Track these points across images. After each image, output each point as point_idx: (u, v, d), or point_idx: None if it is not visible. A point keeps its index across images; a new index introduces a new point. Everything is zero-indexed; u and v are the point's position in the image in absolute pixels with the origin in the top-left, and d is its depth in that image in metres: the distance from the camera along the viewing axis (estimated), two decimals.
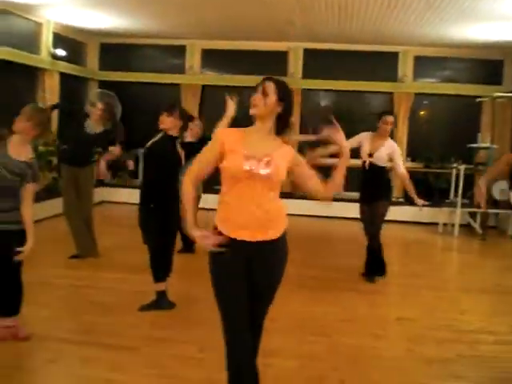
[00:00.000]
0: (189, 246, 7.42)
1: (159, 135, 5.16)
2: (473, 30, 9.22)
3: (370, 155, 6.24)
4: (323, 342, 4.55)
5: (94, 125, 6.73)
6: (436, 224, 10.03)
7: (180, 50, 11.56)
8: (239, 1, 8.09)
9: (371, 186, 6.32)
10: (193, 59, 11.51)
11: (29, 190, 4.09)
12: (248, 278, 2.96)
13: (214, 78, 11.60)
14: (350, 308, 5.51)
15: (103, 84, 11.43)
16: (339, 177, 3.08)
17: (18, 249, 3.99)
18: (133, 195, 10.77)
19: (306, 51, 11.24)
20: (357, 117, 11.23)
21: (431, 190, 10.65)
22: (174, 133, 5.11)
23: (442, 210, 9.95)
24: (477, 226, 9.84)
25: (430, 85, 11.16)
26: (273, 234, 2.94)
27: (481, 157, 10.46)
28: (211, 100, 11.38)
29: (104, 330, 4.59)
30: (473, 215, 9.98)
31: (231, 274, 2.94)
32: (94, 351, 4.18)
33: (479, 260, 8.44)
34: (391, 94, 11.09)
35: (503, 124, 10.53)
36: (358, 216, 6.50)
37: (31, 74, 9.83)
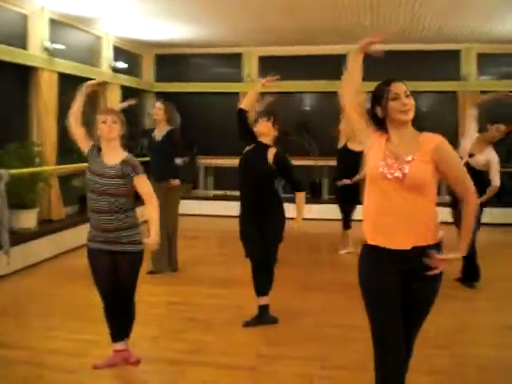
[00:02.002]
0: None
1: (252, 145, 5.00)
2: None
3: (471, 155, 6.00)
4: (445, 355, 4.31)
5: (158, 132, 6.66)
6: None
7: (236, 58, 11.46)
8: (306, 5, 7.93)
9: None
10: (250, 66, 11.41)
11: (139, 182, 3.85)
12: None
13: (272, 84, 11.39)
14: (458, 317, 5.26)
15: (160, 96, 11.37)
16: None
17: (144, 240, 3.79)
18: (194, 206, 10.84)
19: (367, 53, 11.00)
20: (420, 117, 10.96)
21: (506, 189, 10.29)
22: (267, 140, 4.95)
23: None
24: None
25: (495, 82, 10.80)
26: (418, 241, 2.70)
27: None
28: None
29: (214, 349, 4.43)
30: None
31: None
32: (210, 372, 4.02)
33: None
34: (455, 93, 10.84)
35: None
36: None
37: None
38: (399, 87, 2.76)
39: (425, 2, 7.86)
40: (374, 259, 2.78)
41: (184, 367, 4.09)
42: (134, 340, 4.31)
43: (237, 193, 10.91)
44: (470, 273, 6.22)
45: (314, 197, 10.86)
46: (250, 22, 9.19)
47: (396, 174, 2.69)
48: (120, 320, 4.08)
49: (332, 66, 11.13)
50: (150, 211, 3.88)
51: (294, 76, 11.20)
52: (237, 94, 11.36)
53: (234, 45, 10.98)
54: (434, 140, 2.72)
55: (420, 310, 2.84)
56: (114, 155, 3.88)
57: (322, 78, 11.06)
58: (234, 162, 11.52)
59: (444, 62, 11.02)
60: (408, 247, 2.68)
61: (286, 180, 5.07)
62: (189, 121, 10.24)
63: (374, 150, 2.82)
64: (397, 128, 2.77)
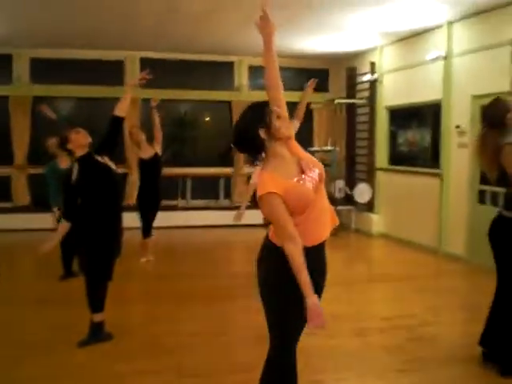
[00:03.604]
0: (70, 271, 6.89)
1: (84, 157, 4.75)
2: (302, 42, 9.93)
3: None
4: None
5: None
6: None
7: (5, 60, 10.54)
8: (68, 8, 7.69)
9: None
10: (21, 69, 10.59)
11: None
12: None
13: (45, 89, 10.73)
14: None
15: None
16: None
17: None
18: None
19: (143, 60, 11.03)
20: (199, 125, 11.48)
21: None
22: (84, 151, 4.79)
23: None
24: None
25: (264, 93, 11.59)
26: None
27: (322, 159, 11.22)
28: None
29: (67, 373, 4.13)
30: None
31: None
32: None
33: (343, 254, 9.09)
34: (229, 102, 11.47)
35: (336, 127, 11.53)
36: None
37: None
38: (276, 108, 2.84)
39: (211, 18, 8.23)
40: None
41: None
42: None
43: None
44: None
45: None
46: (22, 21, 8.54)
47: (314, 177, 2.78)
48: None
49: (107, 72, 10.95)
50: None
51: (69, 80, 10.72)
52: (6, 97, 10.52)
53: (3, 44, 10.06)
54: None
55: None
56: None
57: (98, 84, 10.79)
58: None
59: (221, 73, 11.61)
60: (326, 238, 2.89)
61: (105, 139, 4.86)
62: None
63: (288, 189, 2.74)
64: (281, 145, 2.81)
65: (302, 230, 2.76)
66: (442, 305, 5.93)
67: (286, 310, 2.85)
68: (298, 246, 2.68)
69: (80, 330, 4.74)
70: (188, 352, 4.57)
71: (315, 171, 2.81)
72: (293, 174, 2.78)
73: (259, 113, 2.79)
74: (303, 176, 2.78)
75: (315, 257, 2.86)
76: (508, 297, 4.13)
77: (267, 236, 2.93)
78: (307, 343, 4.67)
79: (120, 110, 4.81)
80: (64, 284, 6.52)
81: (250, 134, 2.77)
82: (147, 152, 7.53)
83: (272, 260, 2.83)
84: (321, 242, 2.86)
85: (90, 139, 4.78)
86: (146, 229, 7.73)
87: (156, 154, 7.52)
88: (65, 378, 4.07)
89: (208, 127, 11.93)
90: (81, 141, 4.74)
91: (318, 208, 2.80)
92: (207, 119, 12.05)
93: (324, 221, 2.85)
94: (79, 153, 4.72)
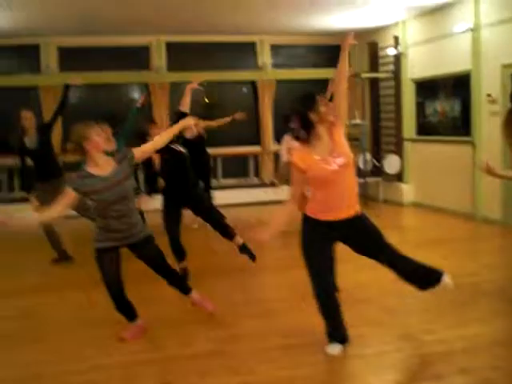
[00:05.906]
0: None
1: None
2: (324, 20, 10.14)
3: None
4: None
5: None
6: None
7: (34, 50, 10.70)
8: None
9: None
10: (49, 58, 10.74)
11: (140, 149, 4.34)
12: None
13: (74, 77, 10.85)
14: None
15: None
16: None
17: None
18: None
19: (169, 44, 11.22)
20: (226, 106, 11.67)
21: None
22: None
23: None
24: None
25: (288, 71, 11.85)
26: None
27: (351, 133, 11.46)
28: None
29: (170, 343, 4.43)
30: None
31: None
32: (175, 364, 4.07)
33: (379, 222, 9.29)
34: (254, 82, 11.69)
35: (361, 101, 11.75)
36: None
37: None
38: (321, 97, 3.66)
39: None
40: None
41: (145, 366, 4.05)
42: None
43: None
44: None
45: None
46: (34, 9, 8.58)
47: (338, 162, 3.56)
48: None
49: (134, 57, 11.15)
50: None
51: (98, 68, 10.88)
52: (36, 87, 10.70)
53: (30, 34, 10.15)
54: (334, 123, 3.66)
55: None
56: (105, 162, 4.06)
57: (126, 69, 10.98)
58: None
59: (243, 53, 11.82)
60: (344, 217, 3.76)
61: None
62: None
63: (311, 164, 3.63)
64: (323, 128, 3.61)
65: (320, 203, 3.71)
66: (495, 263, 6.24)
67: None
68: (285, 207, 3.85)
69: None
70: (277, 316, 4.86)
71: (339, 159, 3.55)
72: (321, 154, 3.58)
73: (311, 100, 3.59)
74: (328, 158, 3.56)
75: (327, 229, 3.76)
76: None
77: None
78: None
79: (182, 107, 5.82)
80: None
81: (301, 114, 3.60)
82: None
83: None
84: (332, 219, 3.72)
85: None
86: None
87: None
88: (169, 346, 4.38)
89: (237, 106, 12.07)
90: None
91: (334, 190, 3.62)
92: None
93: (332, 205, 3.68)
94: None
